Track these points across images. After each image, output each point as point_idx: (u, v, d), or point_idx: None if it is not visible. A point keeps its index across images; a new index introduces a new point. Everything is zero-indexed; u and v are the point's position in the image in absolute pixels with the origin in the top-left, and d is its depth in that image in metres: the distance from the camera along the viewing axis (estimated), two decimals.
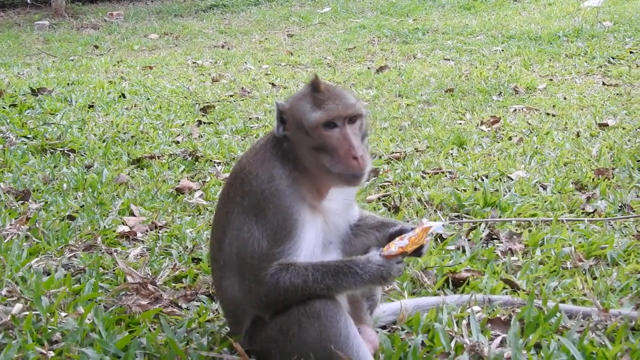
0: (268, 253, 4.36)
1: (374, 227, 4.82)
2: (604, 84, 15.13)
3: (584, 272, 6.28)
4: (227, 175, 8.68)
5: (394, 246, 4.33)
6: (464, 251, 6.74)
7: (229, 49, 22.41)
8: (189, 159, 10.08)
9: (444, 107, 13.57)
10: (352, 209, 4.82)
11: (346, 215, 4.75)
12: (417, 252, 4.45)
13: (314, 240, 4.49)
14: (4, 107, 12.84)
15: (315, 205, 4.50)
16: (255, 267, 4.37)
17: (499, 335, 5.12)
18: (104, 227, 7.40)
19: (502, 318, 5.31)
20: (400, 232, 4.62)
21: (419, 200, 8.20)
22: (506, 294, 5.86)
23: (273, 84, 16.38)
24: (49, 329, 5.08)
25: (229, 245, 4.54)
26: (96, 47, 23.16)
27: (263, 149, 4.60)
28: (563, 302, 5.61)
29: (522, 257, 6.65)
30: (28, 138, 10.94)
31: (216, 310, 5.61)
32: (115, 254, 6.72)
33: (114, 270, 6.36)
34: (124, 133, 11.54)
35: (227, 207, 4.60)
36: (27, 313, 5.28)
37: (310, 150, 4.40)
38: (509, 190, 8.44)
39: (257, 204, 4.41)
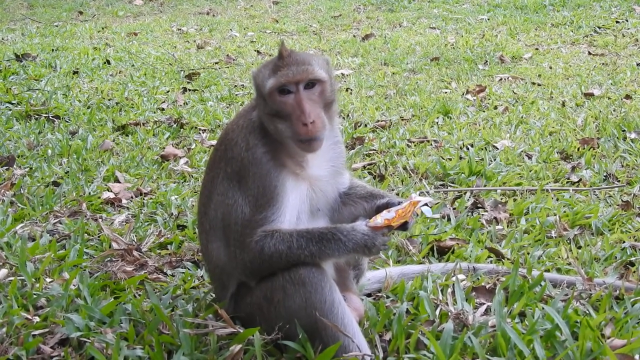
0: (251, 220, 4.37)
1: (362, 198, 4.83)
2: (589, 53, 15.13)
3: (568, 241, 6.32)
4: (213, 142, 8.71)
5: (380, 218, 4.33)
6: (449, 220, 6.76)
7: (214, 15, 22.29)
8: (174, 126, 10.05)
9: (429, 76, 13.56)
10: (341, 177, 4.81)
11: (334, 183, 4.74)
12: (403, 227, 4.45)
13: (298, 207, 4.49)
14: None
15: (298, 172, 4.49)
16: (240, 233, 4.38)
17: (483, 303, 5.15)
18: (89, 193, 7.39)
19: (487, 286, 5.33)
20: (387, 205, 4.63)
21: (405, 168, 8.20)
22: (491, 262, 5.88)
23: (258, 52, 16.32)
24: (34, 294, 5.07)
25: (215, 210, 4.56)
26: (80, 12, 22.99)
27: (244, 116, 4.62)
28: (547, 271, 5.63)
29: (507, 226, 6.68)
30: (12, 104, 10.90)
31: (201, 277, 5.62)
32: (100, 220, 6.71)
33: (99, 237, 6.36)
34: (109, 99, 11.50)
35: (212, 172, 4.63)
36: (12, 278, 5.27)
37: (267, 116, 4.42)
38: (494, 159, 8.45)
39: (239, 171, 4.43)
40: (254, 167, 4.39)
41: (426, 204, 4.50)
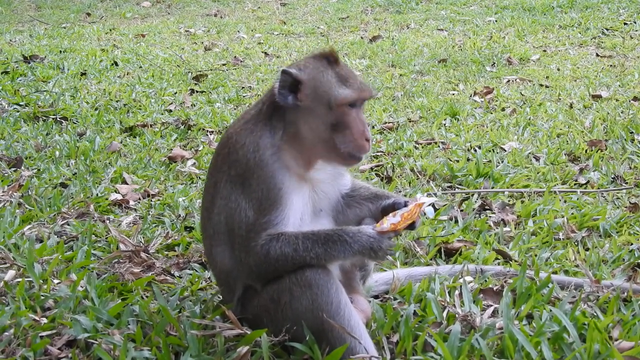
0: (255, 223, 4.36)
1: (367, 199, 4.83)
2: (597, 55, 15.11)
3: (576, 243, 6.31)
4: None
5: (387, 222, 4.34)
6: (456, 222, 6.75)
7: (221, 17, 22.31)
8: (182, 127, 10.06)
9: (437, 78, 13.56)
10: (342, 178, 4.81)
11: (336, 184, 4.74)
12: (411, 227, 4.47)
13: (301, 209, 4.50)
14: None
15: (301, 174, 4.49)
16: (245, 237, 4.38)
17: (491, 305, 5.14)
18: (97, 194, 7.39)
19: (494, 288, 5.33)
20: (393, 205, 4.64)
21: (412, 170, 8.20)
22: (498, 264, 5.87)
23: (266, 53, 16.34)
24: (42, 295, 5.08)
25: (218, 214, 4.55)
26: (88, 14, 23.02)
27: (254, 118, 4.58)
28: (555, 273, 5.62)
29: (515, 228, 6.67)
30: (20, 105, 10.92)
31: (209, 278, 5.61)
32: (107, 221, 6.72)
33: (106, 238, 6.36)
34: (117, 101, 11.52)
35: (215, 176, 4.61)
36: (19, 280, 5.28)
37: (325, 124, 4.40)
38: (502, 161, 8.45)
39: (243, 174, 4.42)
40: (258, 169, 4.38)
41: (432, 204, 4.51)
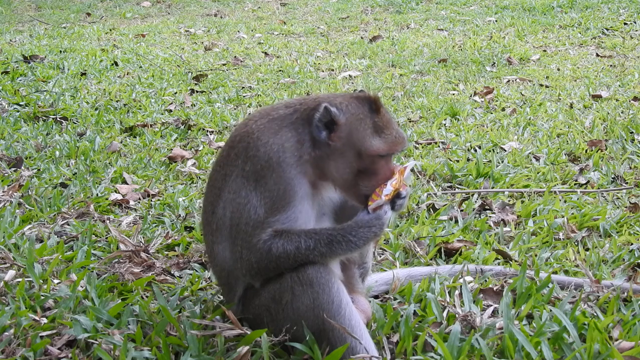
0: (264, 221, 4.34)
1: None
2: (597, 55, 15.11)
3: (576, 243, 6.31)
4: (220, 144, 8.67)
5: (381, 197, 4.36)
6: (456, 222, 6.75)
7: (221, 17, 22.31)
8: (182, 127, 10.05)
9: (437, 78, 13.56)
10: None
11: None
12: (397, 197, 4.49)
13: (309, 212, 4.49)
14: None
15: (314, 182, 4.49)
16: (249, 233, 4.36)
17: (491, 305, 5.14)
18: (97, 194, 7.39)
19: (495, 288, 5.32)
20: None
21: (412, 170, 8.18)
22: (498, 264, 5.87)
23: (266, 53, 16.34)
24: (42, 295, 5.07)
25: (223, 209, 4.51)
26: (88, 14, 23.02)
27: (281, 120, 4.53)
28: (555, 273, 5.62)
29: (515, 228, 6.67)
30: (20, 105, 10.92)
31: (209, 278, 5.61)
32: (108, 221, 6.71)
33: (106, 238, 6.35)
34: (117, 101, 11.51)
35: (225, 169, 4.55)
36: (20, 280, 5.28)
37: (352, 169, 4.43)
38: (502, 161, 8.45)
39: (260, 171, 4.38)
40: (279, 169, 4.36)
41: (413, 168, 4.57)
